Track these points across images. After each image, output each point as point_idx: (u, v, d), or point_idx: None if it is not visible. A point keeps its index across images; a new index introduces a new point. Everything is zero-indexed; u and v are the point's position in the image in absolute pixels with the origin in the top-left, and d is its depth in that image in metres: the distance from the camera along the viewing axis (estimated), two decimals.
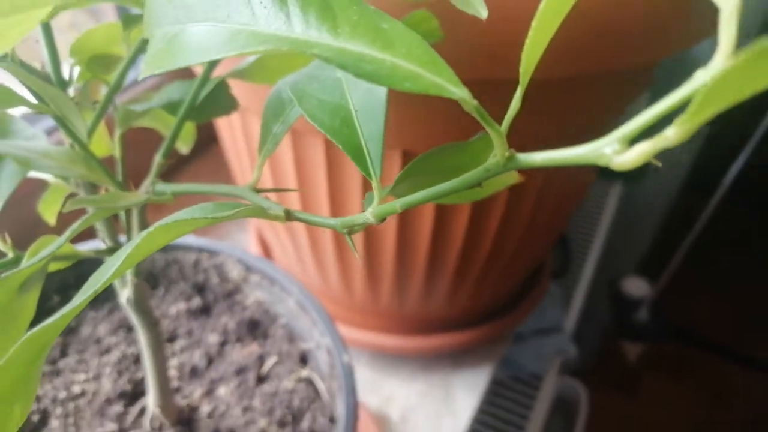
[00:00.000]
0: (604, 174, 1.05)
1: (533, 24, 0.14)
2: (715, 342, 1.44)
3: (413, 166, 0.18)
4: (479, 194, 0.20)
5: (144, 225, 0.24)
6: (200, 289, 0.41)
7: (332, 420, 0.34)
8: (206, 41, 0.12)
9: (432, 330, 0.55)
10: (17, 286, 0.20)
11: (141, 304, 0.27)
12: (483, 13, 0.15)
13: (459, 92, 0.12)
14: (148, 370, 0.30)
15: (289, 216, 0.17)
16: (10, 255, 0.20)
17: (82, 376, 0.36)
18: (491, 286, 0.52)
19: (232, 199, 0.21)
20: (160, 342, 0.29)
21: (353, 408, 0.31)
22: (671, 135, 0.11)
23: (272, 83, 0.23)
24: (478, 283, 0.50)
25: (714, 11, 0.13)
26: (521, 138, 0.29)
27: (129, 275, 0.25)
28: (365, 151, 0.16)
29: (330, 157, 0.36)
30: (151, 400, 0.32)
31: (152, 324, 0.28)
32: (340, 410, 0.33)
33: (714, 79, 0.10)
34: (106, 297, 0.40)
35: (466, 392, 0.56)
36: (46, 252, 0.20)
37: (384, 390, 0.55)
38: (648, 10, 0.27)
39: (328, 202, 0.40)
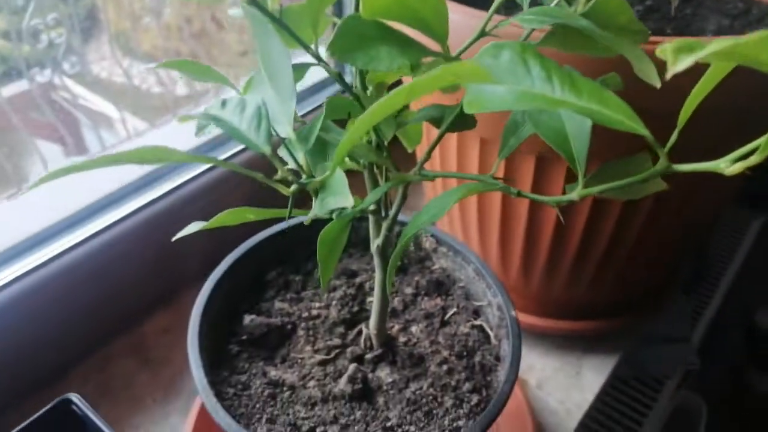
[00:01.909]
0: (750, 204, 1.07)
1: (693, 92, 0.24)
2: None
3: (599, 170, 0.29)
4: (638, 192, 0.31)
5: (405, 197, 0.36)
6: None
7: (497, 359, 0.45)
8: (505, 96, 0.24)
9: (571, 316, 0.65)
10: (346, 222, 0.33)
11: (384, 251, 0.40)
12: (657, 84, 0.26)
13: (645, 132, 0.23)
14: (375, 300, 0.43)
15: (518, 194, 0.29)
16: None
17: (317, 305, 0.50)
18: (628, 280, 0.60)
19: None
20: (388, 282, 0.42)
21: (518, 349, 0.43)
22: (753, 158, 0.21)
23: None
24: (617, 274, 0.59)
25: None
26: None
27: (384, 230, 0.38)
28: (575, 157, 0.27)
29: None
30: (371, 324, 0.45)
31: (386, 267, 0.41)
32: (505, 351, 0.44)
33: None
34: None
35: (593, 373, 0.65)
36: (359, 207, 0.33)
37: (525, 361, 0.65)
38: None
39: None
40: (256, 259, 0.51)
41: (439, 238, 0.52)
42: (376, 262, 0.41)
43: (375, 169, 0.38)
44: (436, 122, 0.34)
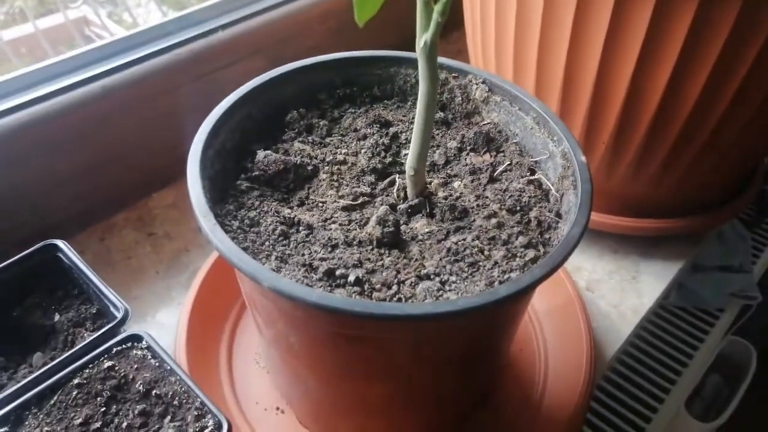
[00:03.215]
0: None
1: None
2: None
3: None
4: None
5: None
6: (443, 107, 0.46)
7: (558, 215, 0.38)
8: None
9: (630, 212, 0.57)
10: None
11: (433, 53, 0.32)
12: None
13: None
14: (416, 125, 0.35)
15: None
16: None
17: (343, 151, 0.42)
18: (701, 172, 0.52)
19: None
20: (434, 99, 0.34)
21: (588, 195, 0.35)
22: None
23: None
24: (691, 162, 0.50)
25: None
26: None
27: (436, 14, 0.30)
28: None
29: None
30: (407, 164, 0.37)
31: (434, 78, 0.33)
32: (569, 205, 0.36)
33: None
34: (363, 100, 0.46)
35: (653, 279, 0.56)
36: None
37: (572, 261, 0.57)
38: None
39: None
40: (276, 94, 0.43)
41: (492, 84, 0.43)
42: (421, 66, 0.33)
43: None
44: None
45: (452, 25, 0.83)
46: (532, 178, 0.40)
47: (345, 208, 0.38)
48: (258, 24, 0.61)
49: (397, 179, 0.40)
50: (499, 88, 0.43)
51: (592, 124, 0.49)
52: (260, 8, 0.62)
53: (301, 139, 0.43)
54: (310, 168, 0.40)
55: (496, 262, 0.34)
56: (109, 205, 0.60)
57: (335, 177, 0.40)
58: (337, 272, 0.33)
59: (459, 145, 0.43)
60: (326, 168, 0.41)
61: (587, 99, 0.47)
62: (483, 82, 0.44)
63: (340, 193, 0.39)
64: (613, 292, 0.55)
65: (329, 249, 0.35)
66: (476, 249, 0.35)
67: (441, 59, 0.45)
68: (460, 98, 0.45)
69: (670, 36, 0.41)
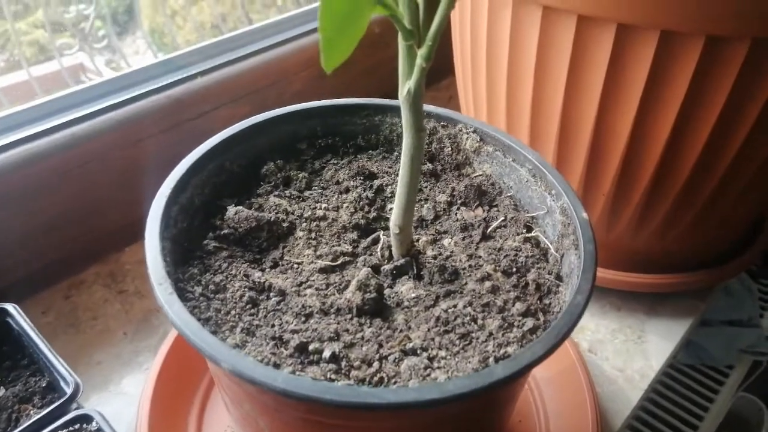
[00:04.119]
0: None
1: None
2: None
3: None
4: None
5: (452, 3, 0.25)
6: (431, 158, 0.43)
7: (559, 278, 0.34)
8: None
9: (633, 267, 0.53)
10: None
11: (417, 102, 0.29)
12: None
13: None
14: (401, 179, 0.32)
15: None
16: None
17: (323, 206, 0.39)
18: (708, 225, 0.48)
19: None
20: (420, 151, 0.31)
21: (592, 256, 0.31)
22: None
23: None
24: (696, 216, 0.47)
25: None
26: None
27: (420, 60, 0.27)
28: None
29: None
30: (392, 220, 0.34)
31: (419, 129, 0.30)
32: (571, 267, 0.33)
33: None
34: (346, 150, 0.43)
35: (660, 339, 0.52)
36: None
37: None
38: None
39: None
40: (251, 145, 0.40)
41: (484, 134, 0.40)
42: (405, 116, 0.30)
43: None
44: None
45: (444, 71, 0.81)
46: (528, 235, 0.37)
47: (323, 270, 0.34)
48: (240, 70, 0.59)
49: (381, 237, 0.37)
50: (492, 137, 0.40)
51: (591, 174, 0.46)
52: (242, 54, 0.59)
53: (277, 193, 0.39)
54: (285, 225, 0.37)
55: (490, 333, 0.30)
56: (78, 259, 0.56)
57: (313, 235, 0.37)
58: (311, 347, 0.29)
59: (449, 199, 0.40)
60: (304, 225, 0.37)
61: (585, 148, 0.44)
62: (474, 132, 0.41)
63: (318, 253, 0.36)
64: (618, 353, 0.51)
65: (303, 319, 0.31)
66: (468, 318, 0.31)
67: (429, 107, 0.42)
68: (449, 148, 0.42)
69: (671, 84, 0.39)
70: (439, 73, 0.81)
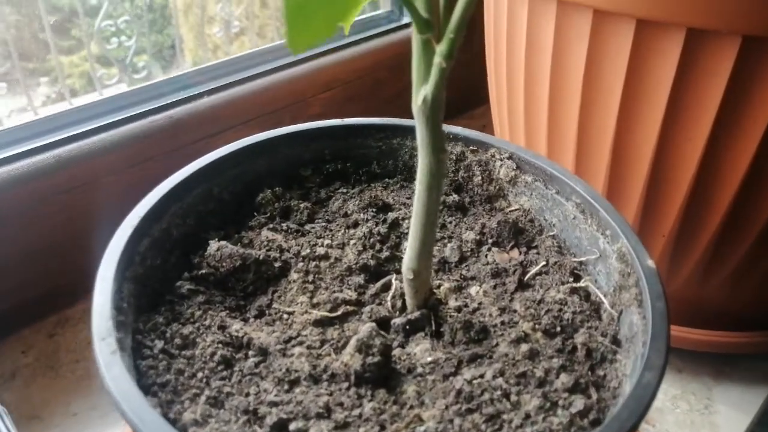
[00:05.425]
0: None
1: None
2: None
3: None
4: None
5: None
6: (458, 188, 0.36)
7: (615, 342, 0.27)
8: None
9: (699, 323, 0.45)
10: None
11: (435, 114, 0.23)
12: None
13: None
14: (415, 212, 0.25)
15: None
16: None
17: (326, 242, 0.32)
18: None
19: None
20: (441, 176, 0.24)
21: (663, 317, 0.24)
22: None
23: None
24: None
25: None
26: None
27: (439, 60, 0.21)
28: None
29: None
30: (404, 263, 0.27)
31: (437, 148, 0.24)
32: (632, 328, 0.26)
33: None
34: (358, 178, 0.37)
35: (731, 409, 0.44)
36: None
37: None
38: None
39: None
40: (247, 169, 0.34)
41: (521, 160, 0.34)
42: (420, 133, 0.24)
43: None
44: None
45: (475, 101, 0.75)
46: (576, 285, 0.29)
47: (318, 323, 0.28)
48: (251, 89, 0.54)
49: (393, 281, 0.30)
50: (531, 165, 0.33)
51: (649, 210, 0.39)
52: (255, 72, 0.54)
53: (272, 225, 0.33)
54: (277, 265, 0.30)
55: (527, 416, 0.23)
56: (65, 293, 0.50)
57: (311, 277, 0.30)
58: (292, 426, 0.22)
59: (478, 238, 0.33)
60: (300, 265, 0.31)
61: (643, 179, 0.37)
62: (509, 158, 0.34)
63: (314, 301, 0.29)
64: (680, 426, 0.43)
65: (286, 387, 0.24)
66: (499, 392, 0.24)
67: (455, 128, 0.35)
68: (479, 177, 0.35)
69: (747, 114, 0.32)
70: (471, 101, 0.75)
